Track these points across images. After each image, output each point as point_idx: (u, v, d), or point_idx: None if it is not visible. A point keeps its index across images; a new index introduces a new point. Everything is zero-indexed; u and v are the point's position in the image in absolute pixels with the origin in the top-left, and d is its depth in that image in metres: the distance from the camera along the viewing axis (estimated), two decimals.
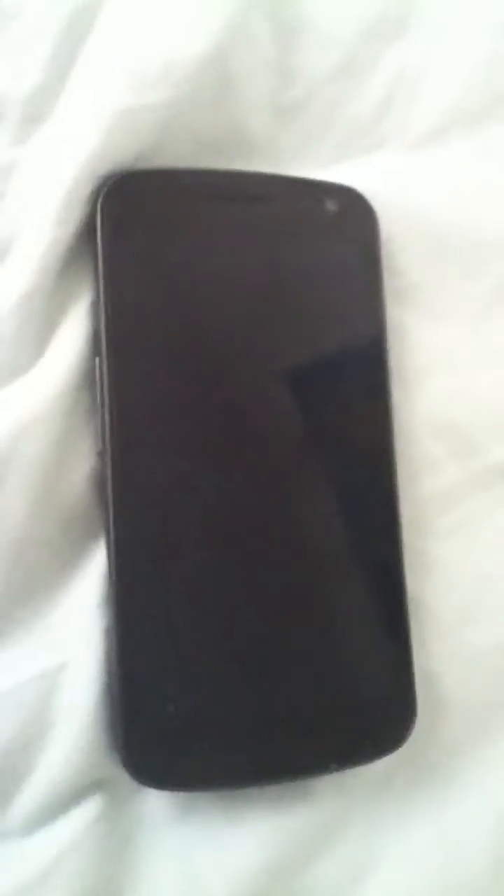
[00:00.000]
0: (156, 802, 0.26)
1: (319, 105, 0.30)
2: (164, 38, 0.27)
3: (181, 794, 0.26)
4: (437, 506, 0.30)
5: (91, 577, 0.26)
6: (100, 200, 0.25)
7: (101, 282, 0.25)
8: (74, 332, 0.26)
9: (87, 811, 0.25)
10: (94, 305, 0.26)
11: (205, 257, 0.26)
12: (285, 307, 0.27)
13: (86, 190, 0.26)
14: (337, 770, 0.27)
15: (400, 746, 0.27)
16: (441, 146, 0.31)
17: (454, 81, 0.31)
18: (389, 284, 0.29)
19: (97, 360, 0.25)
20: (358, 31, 0.30)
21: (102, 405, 0.25)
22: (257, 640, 0.26)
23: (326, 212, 0.28)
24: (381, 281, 0.29)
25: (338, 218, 0.28)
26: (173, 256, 0.26)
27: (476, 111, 0.31)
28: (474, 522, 0.30)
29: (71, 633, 0.25)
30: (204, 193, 0.27)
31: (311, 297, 0.28)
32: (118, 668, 0.25)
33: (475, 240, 0.31)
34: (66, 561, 0.26)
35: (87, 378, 0.26)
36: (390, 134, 0.31)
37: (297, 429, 0.27)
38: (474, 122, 0.31)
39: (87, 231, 0.26)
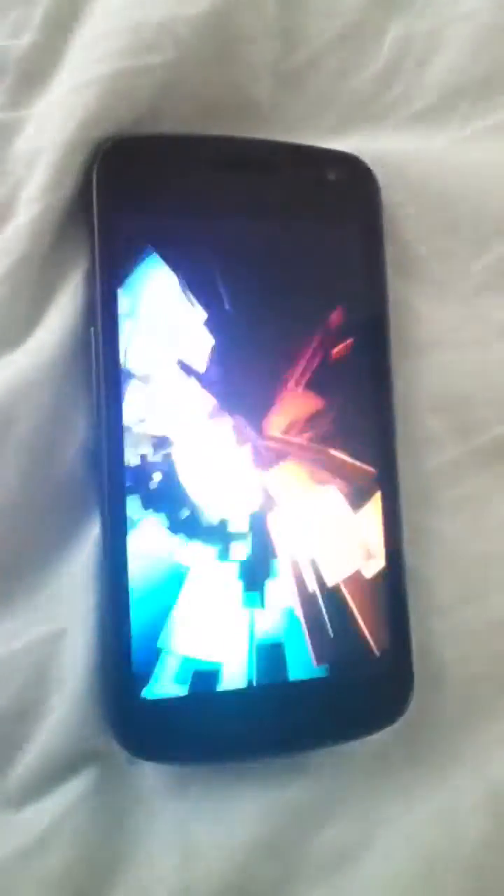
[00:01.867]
0: (152, 775, 0.26)
1: (324, 72, 0.29)
2: None
3: (177, 767, 0.26)
4: (439, 482, 0.30)
5: (85, 547, 0.26)
6: (95, 166, 0.25)
7: (97, 249, 0.25)
8: (69, 300, 0.26)
9: (82, 782, 0.25)
10: (90, 274, 0.26)
11: (201, 225, 0.26)
12: (285, 276, 0.27)
13: (81, 155, 0.25)
14: (334, 744, 0.27)
15: (397, 720, 0.27)
16: (447, 117, 0.30)
17: (462, 52, 0.30)
18: (392, 256, 0.29)
19: (92, 329, 0.25)
20: None
21: (97, 375, 0.25)
22: (253, 611, 0.26)
23: (328, 180, 0.28)
24: (384, 251, 0.28)
25: (340, 186, 0.28)
26: (170, 223, 0.26)
27: (483, 83, 0.31)
28: (476, 500, 0.30)
29: (66, 602, 0.25)
30: (203, 159, 0.26)
31: (311, 267, 0.27)
32: (112, 640, 0.24)
33: (480, 213, 0.30)
34: (61, 531, 0.26)
35: (82, 347, 0.25)
36: (396, 103, 0.30)
37: (296, 401, 0.27)
38: (481, 93, 0.31)
39: (82, 197, 0.25)
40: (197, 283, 0.26)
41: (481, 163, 0.30)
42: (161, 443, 0.25)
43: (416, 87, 0.30)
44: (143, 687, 0.25)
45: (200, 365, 0.26)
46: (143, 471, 0.25)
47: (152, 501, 0.25)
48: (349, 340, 0.28)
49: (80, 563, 0.26)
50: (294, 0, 0.29)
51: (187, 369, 0.26)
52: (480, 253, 0.30)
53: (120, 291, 0.25)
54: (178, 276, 0.26)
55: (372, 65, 0.30)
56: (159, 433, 0.25)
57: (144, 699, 0.25)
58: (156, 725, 0.25)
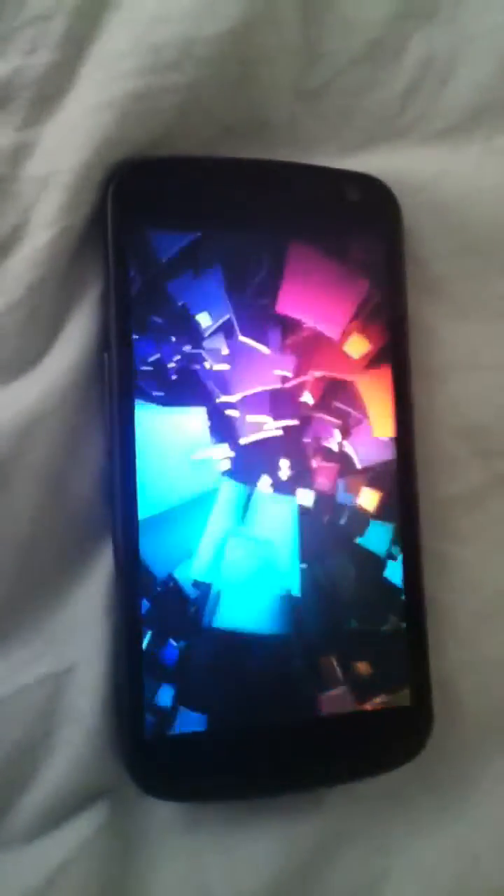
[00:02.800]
0: (163, 811, 0.26)
1: (343, 91, 0.29)
2: (184, 17, 0.26)
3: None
4: (459, 507, 0.29)
5: (98, 579, 0.25)
6: (111, 188, 0.25)
7: (111, 273, 0.25)
8: (83, 324, 0.25)
9: (92, 818, 0.25)
10: (104, 298, 0.25)
11: (220, 248, 0.26)
12: (304, 299, 0.26)
13: (97, 176, 0.25)
14: (351, 781, 0.26)
15: (415, 757, 0.26)
16: (470, 136, 0.30)
17: (484, 69, 0.30)
18: (413, 277, 0.28)
19: (105, 355, 0.25)
20: (385, 15, 0.29)
21: (111, 402, 0.24)
22: (269, 648, 0.25)
23: (348, 201, 0.27)
24: (404, 273, 0.28)
25: (360, 207, 0.27)
26: (187, 247, 0.25)
27: None
28: (496, 526, 0.29)
29: (77, 635, 0.25)
30: (220, 181, 0.26)
31: (331, 288, 0.27)
32: (125, 673, 0.24)
33: (501, 235, 0.30)
34: (73, 561, 0.25)
35: (96, 373, 0.25)
36: (416, 122, 0.30)
37: (313, 424, 0.26)
38: (502, 113, 0.30)
39: (97, 220, 0.25)
40: (214, 306, 0.26)
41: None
42: (174, 471, 0.25)
43: (437, 105, 0.30)
44: (156, 723, 0.24)
45: (216, 390, 0.26)
46: (157, 499, 0.25)
47: (166, 531, 0.25)
48: (369, 364, 0.27)
49: (92, 596, 0.25)
50: (314, 19, 0.28)
51: (203, 394, 0.25)
52: (502, 274, 0.30)
53: (134, 315, 0.25)
54: (194, 299, 0.25)
55: (393, 83, 0.29)
56: (173, 460, 0.25)
57: (157, 736, 0.24)
58: (169, 763, 0.24)
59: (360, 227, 0.27)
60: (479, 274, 0.30)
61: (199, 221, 0.26)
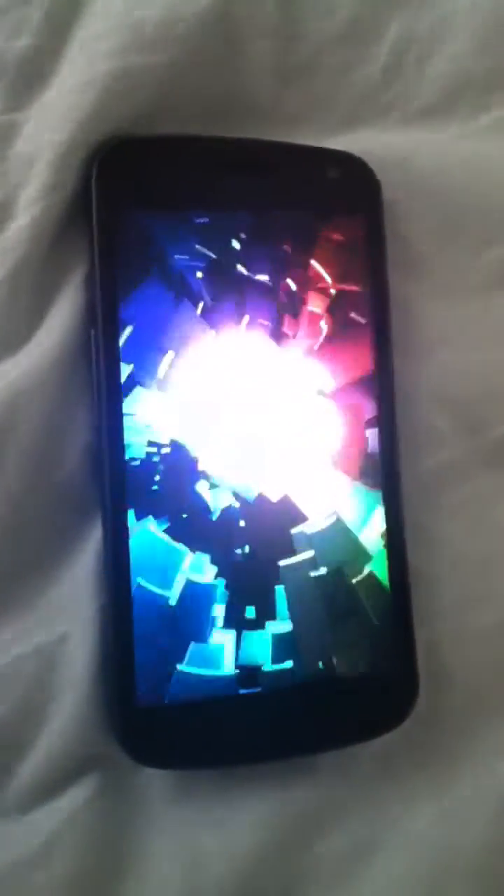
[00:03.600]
0: (156, 780, 0.26)
1: (325, 70, 0.29)
2: None
3: (181, 772, 0.26)
4: (443, 482, 0.29)
5: (88, 552, 0.25)
6: (94, 167, 0.25)
7: (96, 251, 0.25)
8: (69, 302, 0.25)
9: (85, 788, 0.25)
10: (89, 276, 0.25)
11: (202, 226, 0.26)
12: (286, 277, 0.27)
13: (80, 155, 0.25)
14: (339, 747, 0.27)
15: (402, 723, 0.27)
16: (451, 113, 0.30)
17: (465, 46, 0.30)
18: (394, 255, 0.28)
19: (92, 332, 0.25)
20: None
21: (97, 378, 0.25)
22: (256, 614, 0.26)
23: (329, 179, 0.27)
24: (385, 250, 0.28)
25: (340, 185, 0.28)
26: (170, 225, 0.25)
27: (487, 77, 0.30)
28: (479, 500, 0.30)
29: (68, 608, 0.25)
30: (202, 160, 0.26)
31: (312, 267, 0.27)
32: (114, 643, 0.24)
33: (483, 211, 0.30)
34: (63, 535, 0.26)
35: (83, 350, 0.25)
36: (397, 101, 0.30)
37: (298, 399, 0.27)
38: (485, 88, 0.30)
39: (81, 198, 0.25)
40: (198, 283, 0.26)
41: (485, 158, 0.30)
42: (163, 446, 0.25)
43: (418, 82, 0.30)
44: (147, 692, 0.24)
45: (202, 366, 0.26)
46: (145, 474, 0.25)
47: (154, 505, 0.25)
48: (351, 341, 0.27)
49: (82, 569, 0.25)
50: None
51: (188, 370, 0.26)
52: (484, 250, 0.30)
53: (120, 293, 0.25)
54: (178, 276, 0.25)
55: (373, 61, 0.29)
56: (161, 436, 0.25)
57: (147, 705, 0.24)
58: (159, 731, 0.25)
59: (340, 204, 0.28)
60: (459, 250, 0.30)
61: (182, 199, 0.26)
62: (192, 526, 0.25)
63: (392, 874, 0.27)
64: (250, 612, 0.26)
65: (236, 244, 0.26)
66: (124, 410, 0.25)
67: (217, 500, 0.26)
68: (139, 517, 0.25)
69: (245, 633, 0.26)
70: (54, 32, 0.26)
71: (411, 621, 0.27)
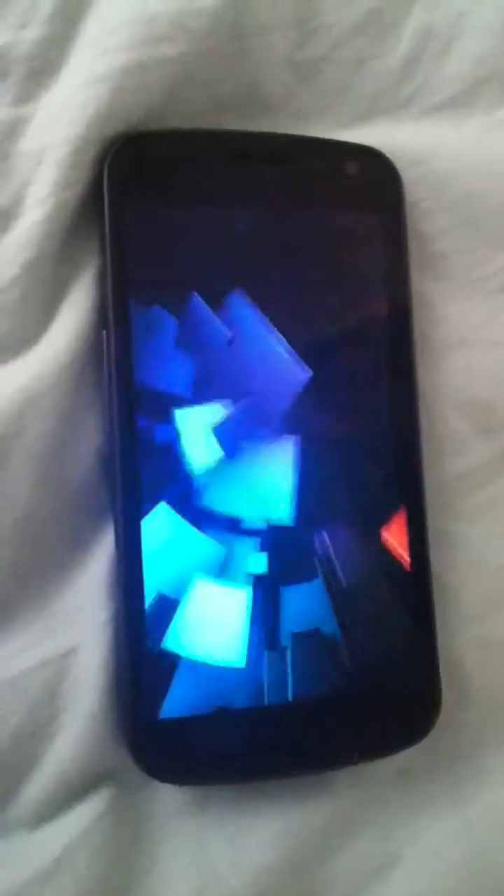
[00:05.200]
0: (168, 795, 0.26)
1: (341, 63, 0.28)
2: None
3: (194, 787, 0.26)
4: (464, 485, 0.29)
5: (99, 559, 0.25)
6: (106, 163, 0.24)
7: (108, 250, 0.24)
8: (81, 301, 0.25)
9: (96, 802, 0.25)
10: (101, 274, 0.25)
11: (218, 223, 0.25)
12: (303, 275, 0.26)
13: (92, 151, 0.24)
14: (358, 763, 0.26)
15: (423, 738, 0.26)
16: (471, 108, 0.30)
17: (485, 39, 0.29)
18: (414, 252, 0.28)
19: (104, 332, 0.24)
20: None
21: (109, 379, 0.24)
22: (274, 626, 0.25)
23: (348, 174, 0.27)
24: (407, 248, 0.28)
25: (360, 180, 0.27)
26: (184, 222, 0.25)
27: None
28: (502, 503, 0.29)
29: (79, 617, 0.25)
30: (217, 155, 0.26)
31: (330, 264, 0.27)
32: (126, 656, 0.24)
33: (502, 209, 0.29)
34: (74, 541, 0.25)
35: (95, 351, 0.25)
36: (415, 95, 0.29)
37: (317, 402, 0.26)
38: (503, 86, 0.29)
39: (93, 195, 0.25)
40: (213, 281, 0.25)
41: None
42: (177, 449, 0.25)
43: (437, 77, 0.29)
44: (160, 705, 0.24)
45: (217, 366, 0.25)
46: (158, 478, 0.24)
47: (168, 510, 0.24)
48: (370, 339, 0.27)
49: (93, 577, 0.25)
50: None
51: (203, 372, 0.25)
52: (502, 249, 0.29)
53: (132, 292, 0.24)
54: (192, 274, 0.25)
55: (391, 54, 0.29)
56: (175, 439, 0.25)
57: (161, 718, 0.24)
58: (173, 745, 0.24)
59: (360, 200, 0.27)
60: (480, 248, 0.29)
61: (196, 195, 0.25)
62: (209, 532, 0.25)
63: (410, 890, 0.26)
64: (269, 625, 0.25)
65: (251, 240, 0.26)
66: (136, 413, 0.24)
67: (234, 511, 0.25)
68: (153, 522, 0.24)
69: (263, 647, 0.25)
70: (64, 24, 0.25)
71: (434, 634, 0.27)
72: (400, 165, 0.28)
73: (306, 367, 0.26)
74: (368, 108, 0.29)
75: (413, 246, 0.28)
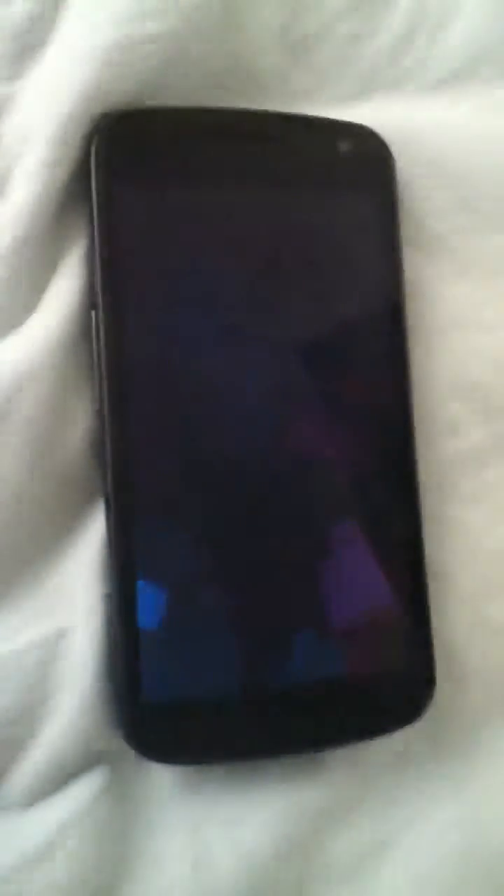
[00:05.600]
0: (163, 775, 0.25)
1: (333, 41, 0.28)
2: None
3: (189, 767, 0.26)
4: (460, 470, 0.29)
5: (90, 541, 0.25)
6: (94, 141, 0.24)
7: (97, 229, 0.24)
8: (69, 282, 0.25)
9: (89, 784, 0.25)
10: (89, 254, 0.25)
11: (208, 203, 0.25)
12: (295, 255, 0.26)
13: (80, 129, 0.24)
14: (352, 742, 0.26)
15: (418, 718, 0.26)
16: (467, 85, 0.29)
17: (482, 15, 0.29)
18: (407, 234, 0.28)
19: (93, 313, 0.24)
20: None
21: (99, 361, 0.24)
22: (268, 609, 0.25)
23: (340, 152, 0.27)
24: (398, 228, 0.27)
25: (352, 159, 0.27)
26: (174, 202, 0.25)
27: (502, 53, 0.29)
28: (498, 487, 0.29)
29: (70, 598, 0.25)
30: (207, 133, 0.25)
31: (322, 245, 0.26)
32: (119, 637, 0.24)
33: (499, 189, 0.29)
34: (64, 523, 0.25)
35: (83, 332, 0.25)
36: (412, 72, 0.29)
37: (307, 386, 0.26)
38: (500, 63, 0.29)
39: (81, 174, 0.25)
40: (203, 260, 0.25)
41: (501, 133, 0.29)
42: (167, 430, 0.25)
43: (433, 54, 0.29)
44: (153, 685, 0.24)
45: (207, 346, 0.25)
46: (149, 459, 0.24)
47: (159, 492, 0.24)
48: (362, 321, 0.27)
49: (84, 557, 0.25)
50: None
51: (193, 351, 0.25)
52: (501, 230, 0.29)
53: (121, 271, 0.24)
54: (183, 253, 0.25)
55: (386, 31, 0.29)
56: (165, 420, 0.25)
57: (153, 698, 0.24)
58: (166, 725, 0.24)
59: (353, 178, 0.27)
60: (477, 229, 0.29)
61: (185, 173, 0.25)
62: (200, 514, 0.25)
63: (408, 874, 0.26)
64: (263, 606, 0.25)
65: (242, 219, 0.26)
66: (126, 393, 0.24)
67: (227, 488, 0.25)
68: (144, 506, 0.24)
69: (257, 627, 0.25)
70: (51, 1, 0.25)
71: (428, 614, 0.27)
72: (395, 144, 0.28)
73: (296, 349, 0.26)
74: (363, 86, 0.29)
75: (409, 227, 0.28)
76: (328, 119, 0.27)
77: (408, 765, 0.27)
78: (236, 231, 0.25)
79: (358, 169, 0.27)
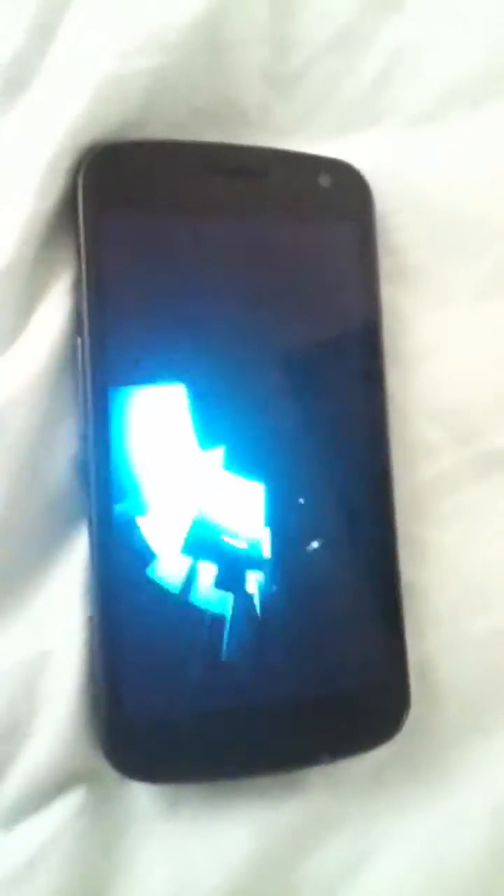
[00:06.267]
0: (143, 795, 0.26)
1: (315, 78, 0.29)
2: (153, 2, 0.26)
3: (169, 786, 0.26)
4: (436, 492, 0.29)
5: (74, 564, 0.25)
6: (81, 173, 0.25)
7: (83, 259, 0.24)
8: (56, 309, 0.25)
9: (70, 803, 0.25)
10: (76, 282, 0.25)
11: (192, 233, 0.26)
12: (276, 285, 0.27)
13: (68, 161, 0.25)
14: (329, 761, 0.26)
15: (393, 737, 0.27)
16: (441, 123, 0.30)
17: (454, 56, 0.30)
18: (386, 264, 0.28)
19: (79, 340, 0.25)
20: (356, 1, 0.29)
21: (84, 387, 0.24)
22: (245, 628, 0.25)
23: (320, 187, 0.27)
24: (377, 259, 0.28)
25: (331, 193, 0.27)
26: (159, 232, 0.25)
27: (477, 87, 0.30)
28: (474, 509, 0.29)
29: (53, 620, 0.25)
30: (191, 166, 0.26)
31: (302, 276, 0.27)
32: (101, 658, 0.24)
33: (474, 220, 0.30)
34: (48, 546, 0.25)
35: (69, 359, 0.25)
36: (389, 109, 0.30)
37: (287, 410, 0.27)
38: (475, 98, 0.30)
39: (68, 205, 0.25)
40: (186, 291, 0.25)
41: (476, 167, 0.30)
42: (150, 456, 0.25)
43: (411, 90, 0.30)
44: (133, 705, 0.24)
45: (190, 374, 0.25)
46: (133, 484, 0.25)
47: (141, 516, 0.25)
48: (340, 348, 0.27)
49: (68, 580, 0.25)
50: (286, 5, 0.28)
51: (176, 379, 0.25)
52: (478, 259, 0.30)
53: (107, 301, 0.25)
54: (166, 284, 0.25)
55: (366, 69, 0.29)
56: (149, 446, 0.25)
57: (134, 718, 0.24)
58: (145, 744, 0.24)
59: (331, 212, 0.27)
60: (454, 259, 0.30)
61: (170, 205, 0.26)
62: (182, 535, 0.25)
63: (385, 885, 0.26)
64: (240, 625, 0.25)
65: (225, 251, 0.26)
66: (111, 419, 0.24)
67: (206, 510, 0.25)
68: (127, 528, 0.24)
69: (234, 646, 0.25)
70: (40, 36, 0.26)
71: (403, 633, 0.27)
72: (375, 178, 0.28)
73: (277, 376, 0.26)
74: (344, 121, 0.29)
75: (388, 258, 0.28)
76: (309, 154, 0.28)
77: (384, 782, 0.27)
78: (219, 261, 0.26)
79: (337, 202, 0.28)
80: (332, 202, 0.27)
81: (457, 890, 0.27)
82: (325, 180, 0.27)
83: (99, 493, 0.24)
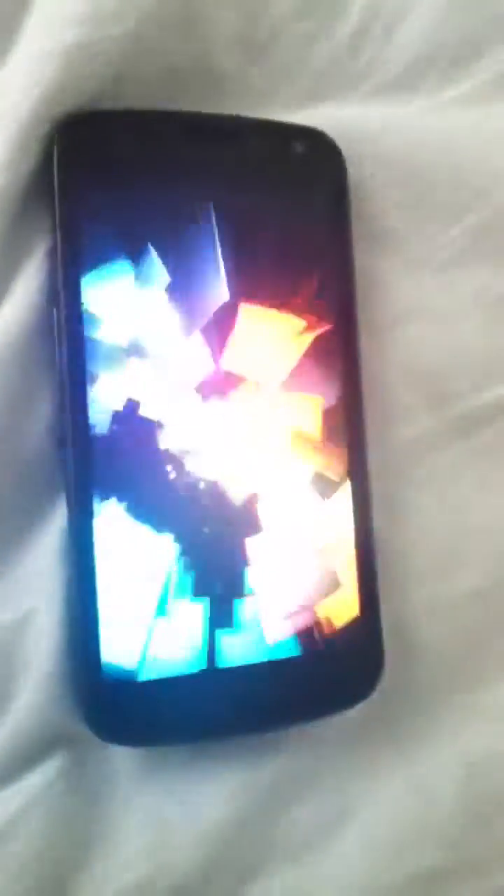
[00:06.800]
0: (124, 757, 0.26)
1: (290, 43, 0.29)
2: None
3: (148, 749, 0.26)
4: (413, 454, 0.30)
5: (52, 531, 0.25)
6: (56, 142, 0.24)
7: (58, 228, 0.24)
8: (31, 280, 0.25)
9: (52, 765, 0.25)
10: (51, 252, 0.25)
11: (166, 201, 0.26)
12: (250, 252, 0.26)
13: (40, 130, 0.24)
14: (306, 721, 0.27)
15: (368, 696, 0.27)
16: (418, 85, 0.30)
17: (432, 18, 0.30)
18: (362, 230, 0.28)
19: (54, 310, 0.25)
20: None
21: (60, 357, 0.24)
22: (221, 590, 0.26)
23: (293, 154, 0.27)
24: (350, 225, 0.28)
25: (305, 160, 0.27)
26: (134, 200, 0.25)
27: (455, 49, 0.30)
28: (451, 471, 0.30)
29: (33, 585, 0.25)
30: (165, 135, 0.26)
31: (275, 242, 0.27)
32: (80, 620, 0.24)
33: (451, 185, 0.30)
34: (26, 514, 0.26)
35: (45, 329, 0.25)
36: (364, 73, 0.30)
37: (263, 377, 0.27)
38: (453, 60, 0.30)
39: (43, 174, 0.25)
40: (161, 259, 0.25)
41: (452, 132, 0.30)
42: (127, 424, 0.25)
43: (385, 55, 0.30)
44: (112, 669, 0.24)
45: (165, 342, 0.26)
46: (109, 454, 0.25)
47: (118, 485, 0.25)
48: (315, 316, 0.27)
49: (46, 547, 0.25)
50: None
51: (152, 347, 0.25)
52: (452, 223, 0.30)
53: (82, 271, 0.25)
54: (141, 252, 0.25)
55: (339, 33, 0.29)
56: (125, 414, 0.25)
57: (113, 681, 0.24)
58: (125, 708, 0.25)
59: (305, 179, 0.27)
60: (430, 223, 0.30)
61: (144, 174, 0.25)
62: (157, 505, 0.25)
63: (363, 842, 0.27)
64: (217, 589, 0.26)
65: (200, 220, 0.26)
66: (87, 390, 0.24)
67: (181, 480, 0.26)
68: (103, 497, 0.25)
69: (212, 609, 0.26)
70: (12, 7, 0.25)
71: (377, 593, 0.27)
72: (349, 143, 0.28)
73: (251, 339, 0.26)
74: (317, 86, 0.29)
75: (363, 223, 0.28)
76: (281, 122, 0.28)
77: (360, 741, 0.28)
78: (192, 228, 0.26)
79: (310, 169, 0.27)
80: (305, 169, 0.27)
81: (431, 844, 0.27)
82: (298, 147, 0.27)
83: (76, 460, 0.24)
